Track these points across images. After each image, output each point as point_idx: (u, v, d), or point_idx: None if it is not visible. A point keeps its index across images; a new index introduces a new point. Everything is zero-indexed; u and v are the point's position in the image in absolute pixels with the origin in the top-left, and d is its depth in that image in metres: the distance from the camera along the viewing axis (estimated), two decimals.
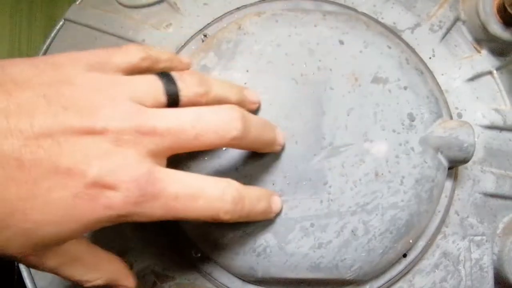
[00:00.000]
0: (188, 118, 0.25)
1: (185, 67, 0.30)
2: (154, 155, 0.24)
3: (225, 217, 0.27)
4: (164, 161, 0.26)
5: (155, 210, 0.24)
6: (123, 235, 0.38)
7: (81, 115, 0.22)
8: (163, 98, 0.26)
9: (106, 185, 0.22)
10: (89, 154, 0.22)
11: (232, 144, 0.26)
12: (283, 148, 0.33)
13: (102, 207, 0.22)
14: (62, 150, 0.21)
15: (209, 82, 0.28)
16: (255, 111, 0.33)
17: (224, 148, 0.33)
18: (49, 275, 0.40)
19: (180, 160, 0.34)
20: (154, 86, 0.26)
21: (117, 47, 0.27)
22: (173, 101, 0.26)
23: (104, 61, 0.25)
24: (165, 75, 0.26)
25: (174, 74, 0.27)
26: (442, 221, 0.39)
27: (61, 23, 0.45)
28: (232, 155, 0.33)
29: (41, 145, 0.21)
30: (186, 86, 0.26)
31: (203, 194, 0.25)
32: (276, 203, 0.32)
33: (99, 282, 0.27)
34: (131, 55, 0.26)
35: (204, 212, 0.26)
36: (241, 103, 0.30)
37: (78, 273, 0.26)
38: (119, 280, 0.29)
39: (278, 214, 0.33)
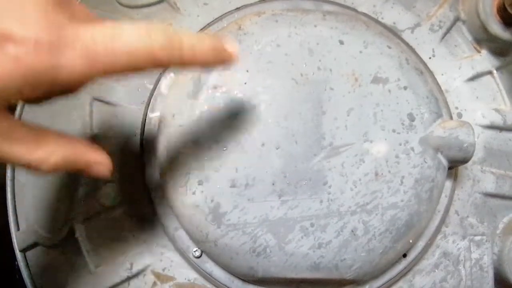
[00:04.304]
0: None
1: None
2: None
3: (162, 53, 0.23)
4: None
5: (75, 60, 0.21)
6: (123, 236, 0.38)
7: None
8: None
9: (10, 36, 0.20)
10: None
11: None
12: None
13: (11, 59, 0.20)
14: None
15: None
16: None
17: (224, 148, 0.33)
18: (49, 275, 0.40)
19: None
20: None
21: None
22: None
23: None
24: None
25: None
26: (442, 221, 0.39)
27: None
28: (232, 156, 0.33)
29: None
30: None
31: (123, 32, 0.22)
32: (229, 41, 0.27)
33: (54, 158, 0.24)
34: None
35: (133, 52, 0.22)
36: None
37: (21, 152, 0.23)
38: (83, 155, 0.25)
39: (235, 56, 0.27)
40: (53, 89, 0.22)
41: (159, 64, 0.24)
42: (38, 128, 0.24)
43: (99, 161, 0.26)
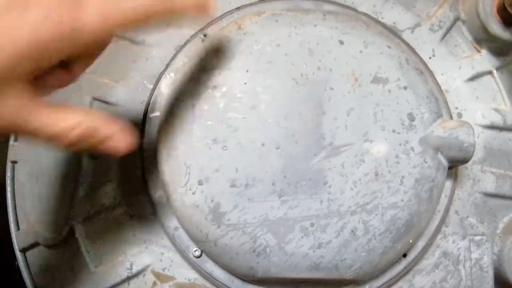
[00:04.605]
0: None
1: None
2: None
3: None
4: None
5: (93, 17, 0.23)
6: (123, 236, 0.38)
7: None
8: None
9: None
10: None
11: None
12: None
13: (42, 19, 0.22)
14: None
15: None
16: None
17: (224, 148, 0.33)
18: (49, 275, 0.40)
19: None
20: None
21: None
22: None
23: None
24: None
25: None
26: (442, 221, 0.39)
27: None
28: (232, 156, 0.33)
29: None
30: None
31: None
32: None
33: (77, 131, 0.25)
34: None
35: (137, 8, 0.25)
36: None
37: (47, 123, 0.24)
38: (103, 126, 0.26)
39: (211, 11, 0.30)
40: (76, 47, 0.24)
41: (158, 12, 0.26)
42: (51, 103, 0.26)
43: (119, 136, 0.27)
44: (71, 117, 0.25)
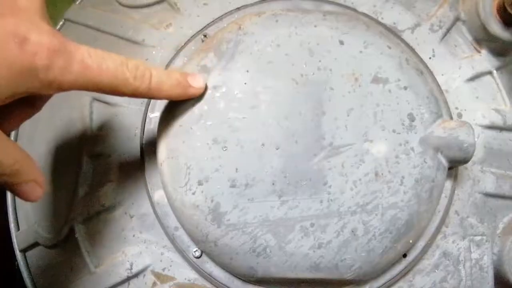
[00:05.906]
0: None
1: None
2: None
3: (135, 83, 0.29)
4: None
5: (73, 65, 0.26)
6: (123, 236, 0.38)
7: None
8: None
9: (29, 38, 0.24)
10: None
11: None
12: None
13: (30, 54, 0.24)
14: None
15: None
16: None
17: (224, 148, 0.33)
18: (49, 275, 0.40)
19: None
20: None
21: None
22: None
23: None
24: None
25: None
26: (442, 221, 0.39)
27: (61, 23, 0.45)
28: (232, 156, 0.33)
29: None
30: None
31: (109, 57, 0.28)
32: (196, 78, 0.33)
33: (11, 168, 0.26)
34: None
35: (114, 74, 0.28)
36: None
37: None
38: (26, 172, 0.27)
39: (203, 89, 0.34)
40: (51, 87, 0.26)
41: (132, 91, 0.29)
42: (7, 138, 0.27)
43: (33, 185, 0.28)
44: (13, 155, 0.26)
